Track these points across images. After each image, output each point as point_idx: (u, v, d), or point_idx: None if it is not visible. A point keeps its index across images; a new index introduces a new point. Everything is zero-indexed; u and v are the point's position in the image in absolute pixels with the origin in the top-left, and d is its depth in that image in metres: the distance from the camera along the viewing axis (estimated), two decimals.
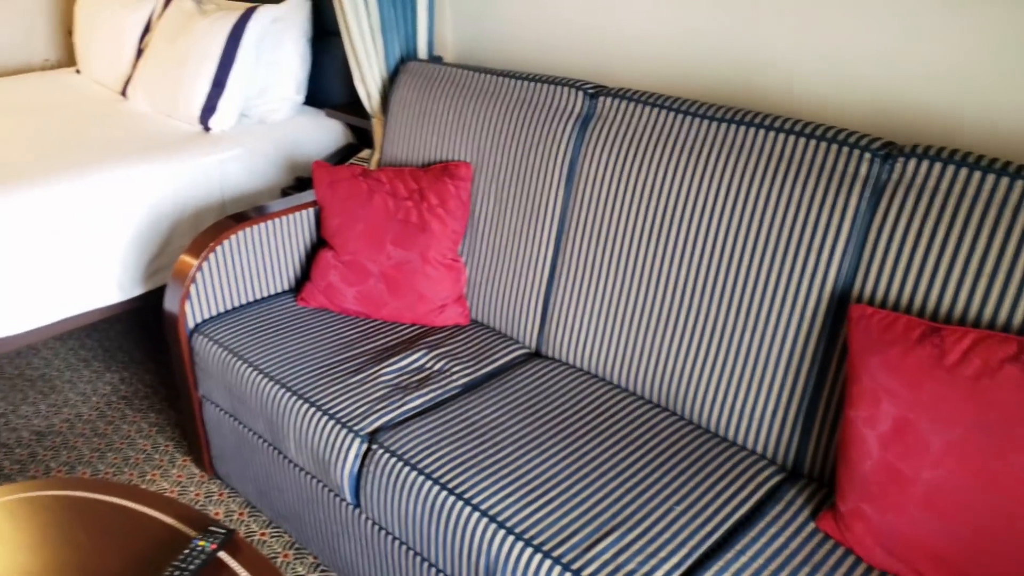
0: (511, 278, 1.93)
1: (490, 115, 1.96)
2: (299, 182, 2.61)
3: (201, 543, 1.12)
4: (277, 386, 1.76)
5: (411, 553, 1.54)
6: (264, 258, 2.09)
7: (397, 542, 1.57)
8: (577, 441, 1.55)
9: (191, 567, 1.07)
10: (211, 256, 1.97)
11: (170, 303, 1.96)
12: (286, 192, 2.59)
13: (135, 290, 2.31)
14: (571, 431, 1.58)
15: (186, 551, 1.10)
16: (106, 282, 2.24)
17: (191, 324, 1.98)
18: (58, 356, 2.65)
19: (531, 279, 1.89)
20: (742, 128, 1.57)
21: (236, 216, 2.07)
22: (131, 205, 2.26)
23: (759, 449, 1.55)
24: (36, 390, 2.47)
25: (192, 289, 1.95)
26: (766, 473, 1.49)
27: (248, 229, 2.04)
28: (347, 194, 2.06)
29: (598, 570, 1.23)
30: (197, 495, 2.07)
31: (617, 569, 1.23)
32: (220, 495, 2.08)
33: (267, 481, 1.89)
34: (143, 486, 2.09)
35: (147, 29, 2.94)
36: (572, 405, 1.67)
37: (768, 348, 1.51)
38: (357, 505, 1.63)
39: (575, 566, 1.24)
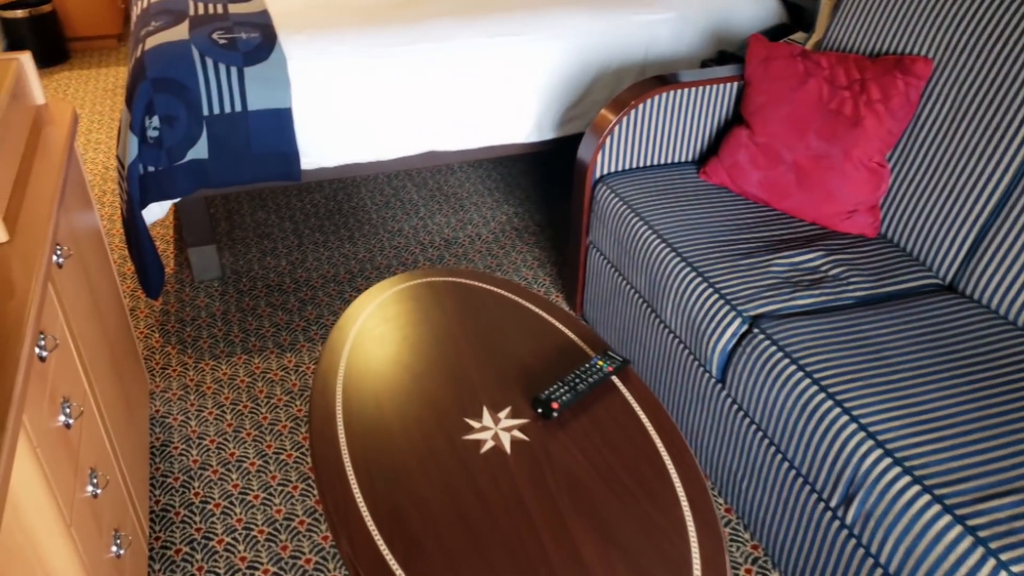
0: (944, 199, 1.73)
1: (969, 7, 1.71)
2: (721, 56, 2.55)
3: (600, 363, 1.22)
4: (667, 248, 1.81)
5: (767, 443, 1.54)
6: (677, 124, 2.11)
7: (755, 428, 1.57)
8: (986, 389, 1.39)
9: (590, 380, 1.18)
10: (630, 113, 2.03)
11: (584, 151, 2.08)
12: (706, 64, 2.55)
13: (548, 133, 2.49)
14: (980, 377, 1.42)
15: (587, 365, 1.21)
16: (526, 122, 2.43)
17: (597, 174, 2.09)
18: (469, 180, 2.98)
19: (970, 205, 1.67)
20: None
21: (659, 78, 2.10)
22: (564, 52, 2.40)
23: None
24: (449, 204, 2.83)
25: (607, 142, 2.04)
26: None
27: (669, 93, 2.06)
28: (780, 73, 1.97)
29: (990, 525, 1.12)
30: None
31: (1013, 532, 1.11)
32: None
33: (632, 336, 1.99)
34: None
35: None
36: (986, 352, 1.49)
37: None
38: (721, 382, 1.66)
39: (962, 513, 1.14)
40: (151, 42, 2.14)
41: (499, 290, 1.47)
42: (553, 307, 1.44)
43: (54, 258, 1.20)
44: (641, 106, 2.04)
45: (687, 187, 2.03)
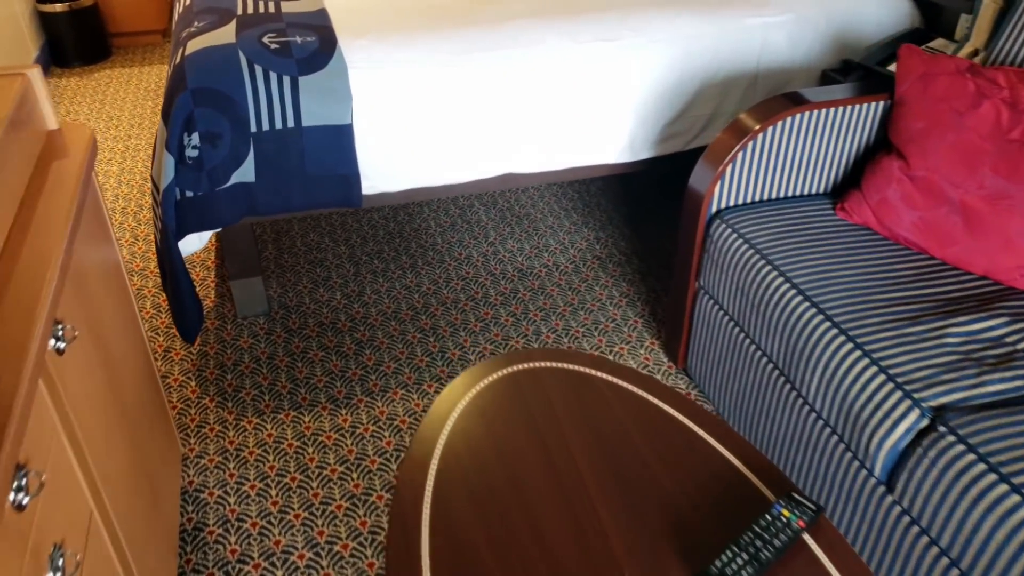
0: None
1: None
2: (845, 66, 2.18)
3: (785, 513, 0.89)
4: (809, 306, 1.47)
5: (953, 571, 1.19)
6: (810, 151, 1.76)
7: (936, 550, 1.22)
8: None
9: (775, 543, 0.85)
10: (756, 139, 1.69)
11: (697, 181, 1.74)
12: (828, 76, 2.19)
13: (643, 152, 2.16)
14: None
15: (767, 517, 0.88)
16: (619, 139, 2.10)
17: (713, 208, 1.75)
18: (542, 199, 2.66)
19: None
20: None
21: (790, 97, 1.75)
22: (663, 59, 2.06)
23: None
24: (522, 228, 2.51)
25: (727, 171, 1.70)
26: None
27: (801, 114, 1.71)
28: (944, 93, 1.61)
29: None
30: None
31: None
32: (689, 396, 1.90)
33: (756, 407, 1.65)
34: (609, 358, 2.00)
35: None
36: None
37: None
38: (886, 486, 1.31)
39: None
40: (192, 46, 1.85)
41: (625, 384, 1.14)
42: (701, 413, 1.10)
43: (51, 344, 0.91)
44: (771, 129, 1.69)
45: (823, 226, 1.68)
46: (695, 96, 2.13)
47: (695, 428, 1.06)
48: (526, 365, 1.17)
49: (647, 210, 2.61)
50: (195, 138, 1.77)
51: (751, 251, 1.63)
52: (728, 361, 1.73)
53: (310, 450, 1.73)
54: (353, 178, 1.91)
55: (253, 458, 1.72)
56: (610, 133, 2.08)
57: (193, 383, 1.92)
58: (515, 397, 1.13)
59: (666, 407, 1.10)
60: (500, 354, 1.83)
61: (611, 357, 2.01)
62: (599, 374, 1.15)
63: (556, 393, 1.13)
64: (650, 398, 1.13)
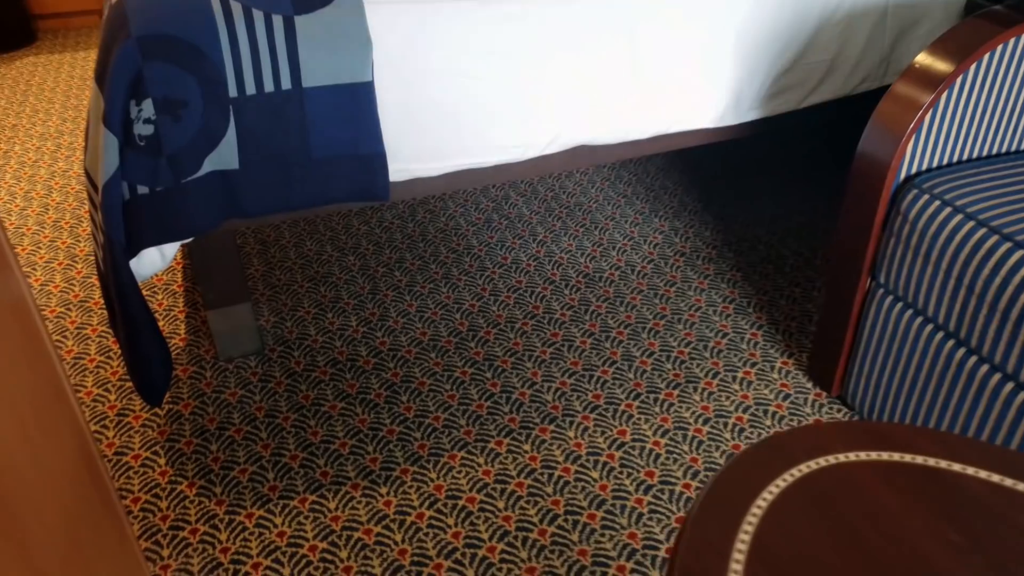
0: None
1: None
2: None
3: None
4: None
5: None
6: (1017, 92, 1.26)
7: None
8: None
9: None
10: (969, 69, 1.18)
11: (875, 143, 1.23)
12: (974, 4, 1.70)
13: (749, 113, 1.64)
14: None
15: None
16: (719, 97, 1.58)
17: (901, 176, 1.24)
18: (592, 185, 2.13)
19: None
20: None
21: (994, 15, 1.25)
22: None
23: None
24: (575, 221, 1.98)
25: (925, 121, 1.19)
26: None
27: (1018, 39, 1.22)
28: None
29: None
30: (816, 421, 1.41)
31: None
32: None
33: None
34: (734, 387, 1.48)
35: None
36: None
37: None
38: None
39: None
40: None
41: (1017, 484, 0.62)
42: None
43: None
44: (982, 60, 1.19)
45: None
46: (812, 38, 1.62)
47: None
48: (822, 462, 0.63)
49: (725, 192, 2.09)
50: (147, 108, 1.21)
51: (981, 229, 1.12)
52: (929, 386, 1.22)
53: (343, 553, 1.18)
54: (377, 160, 1.36)
55: (259, 573, 1.16)
56: (713, 88, 1.56)
57: (162, 461, 1.35)
58: (834, 530, 0.60)
59: None
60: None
61: (737, 387, 1.49)
62: (963, 469, 0.63)
63: (903, 516, 0.60)
64: None
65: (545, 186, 2.12)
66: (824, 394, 1.46)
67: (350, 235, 1.93)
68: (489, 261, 1.83)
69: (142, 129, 1.21)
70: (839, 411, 1.43)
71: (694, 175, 2.17)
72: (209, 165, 1.27)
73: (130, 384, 1.51)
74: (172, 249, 1.34)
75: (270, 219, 1.42)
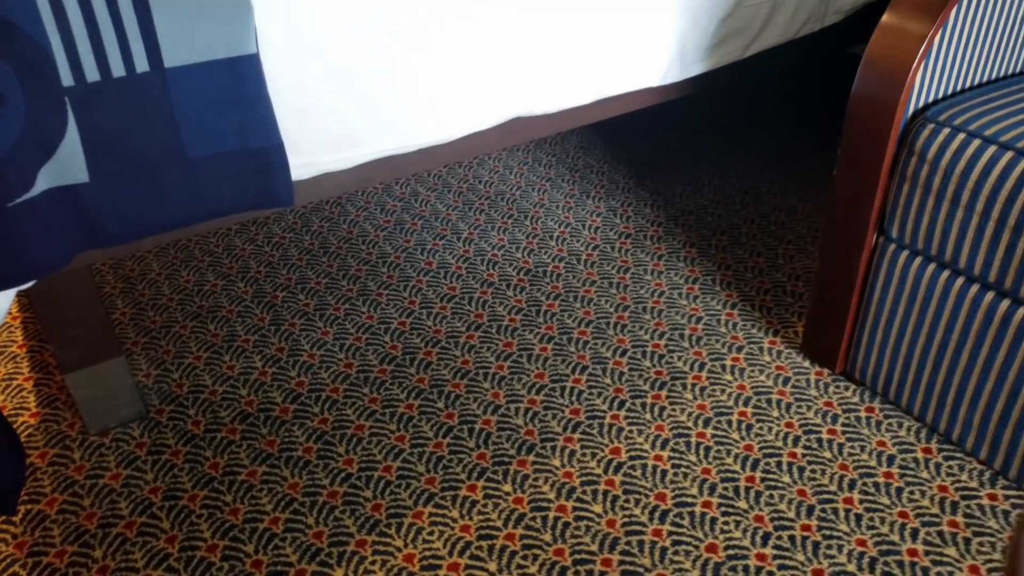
0: None
1: None
2: None
3: None
4: None
5: None
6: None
7: None
8: None
9: None
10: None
11: (876, 79, 1.05)
12: None
13: (695, 66, 1.44)
14: None
15: None
16: (665, 50, 1.37)
17: (910, 109, 1.07)
18: (510, 171, 1.89)
19: None
20: None
21: None
22: None
23: None
24: (498, 212, 1.73)
25: (935, 43, 1.03)
26: None
27: None
28: None
29: None
30: (827, 404, 1.23)
31: None
32: (874, 411, 1.21)
33: None
34: (726, 377, 1.28)
35: None
36: None
37: None
38: None
39: None
40: None
41: None
42: None
43: None
44: None
45: None
46: None
47: None
48: None
49: (656, 164, 1.91)
50: None
51: (1009, 153, 0.96)
52: (964, 350, 1.06)
53: None
54: (273, 154, 1.06)
55: None
56: (655, 41, 1.36)
57: None
58: None
59: None
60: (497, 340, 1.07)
61: (729, 377, 1.29)
62: None
63: None
64: None
65: (456, 177, 1.86)
66: (827, 372, 1.29)
67: (234, 257, 1.60)
68: (411, 269, 1.55)
69: None
70: (848, 389, 1.25)
71: (618, 150, 1.97)
72: (45, 180, 0.94)
73: None
74: (7, 298, 0.99)
75: (135, 247, 1.09)
